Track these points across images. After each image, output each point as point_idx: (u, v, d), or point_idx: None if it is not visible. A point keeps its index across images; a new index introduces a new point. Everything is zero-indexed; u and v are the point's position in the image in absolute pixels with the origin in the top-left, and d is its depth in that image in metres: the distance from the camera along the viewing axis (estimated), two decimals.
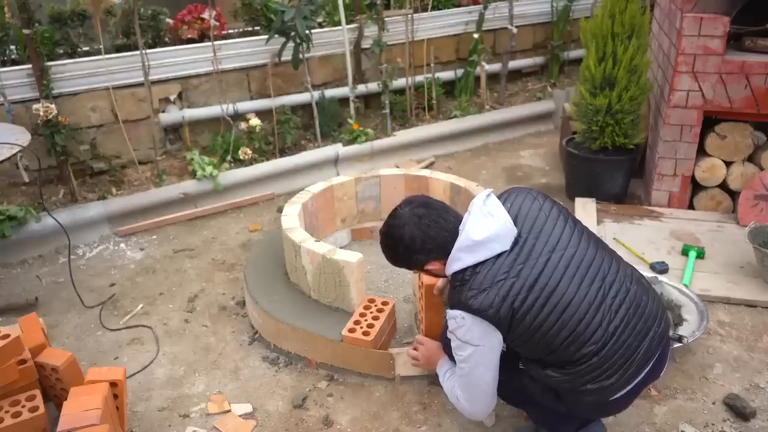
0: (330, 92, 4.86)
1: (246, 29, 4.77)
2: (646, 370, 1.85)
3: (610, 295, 1.78)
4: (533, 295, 1.73)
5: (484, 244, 1.77)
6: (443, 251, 1.86)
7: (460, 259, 1.81)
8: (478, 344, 1.80)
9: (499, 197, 1.91)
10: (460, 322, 1.79)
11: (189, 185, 4.11)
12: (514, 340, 1.80)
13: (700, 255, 3.21)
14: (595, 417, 2.03)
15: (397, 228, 1.88)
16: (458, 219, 1.90)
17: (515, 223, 1.81)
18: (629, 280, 1.85)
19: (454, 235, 1.85)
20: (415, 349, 2.35)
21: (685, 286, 2.92)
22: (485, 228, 1.78)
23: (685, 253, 3.25)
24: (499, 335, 1.79)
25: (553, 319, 1.73)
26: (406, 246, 1.88)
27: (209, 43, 4.28)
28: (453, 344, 1.87)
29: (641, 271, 2.92)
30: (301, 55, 4.43)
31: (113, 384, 2.22)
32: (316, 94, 4.71)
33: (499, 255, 1.77)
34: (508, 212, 1.83)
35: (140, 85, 4.11)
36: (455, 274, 1.83)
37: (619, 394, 1.83)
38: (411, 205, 1.90)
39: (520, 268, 1.75)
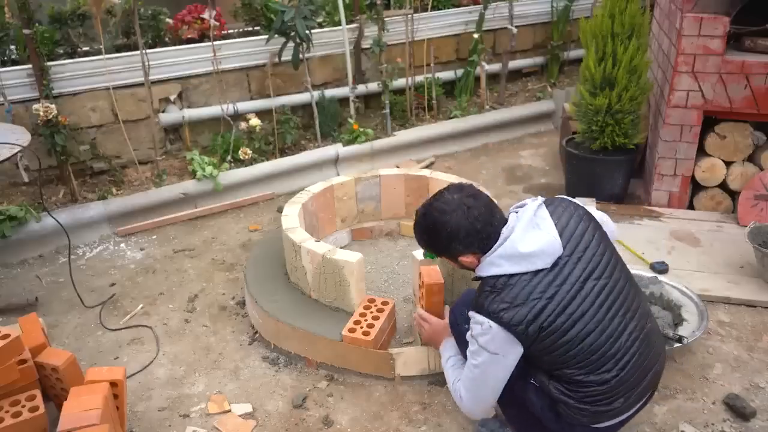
0: (330, 92, 4.86)
1: (246, 29, 4.77)
2: (637, 407, 1.94)
3: (628, 330, 1.83)
4: (562, 318, 1.76)
5: (528, 258, 1.77)
6: (483, 247, 1.85)
7: (500, 265, 1.81)
8: (497, 353, 1.81)
9: (547, 205, 1.90)
10: (486, 329, 1.79)
11: (189, 185, 4.11)
12: (531, 352, 1.84)
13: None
14: None
15: (444, 213, 1.85)
16: (503, 220, 1.88)
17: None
18: (645, 318, 1.91)
19: (497, 235, 1.84)
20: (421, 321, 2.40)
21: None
22: (533, 241, 1.78)
23: None
24: (520, 350, 1.81)
25: (574, 343, 1.79)
26: (449, 234, 1.84)
27: (209, 43, 4.28)
28: (470, 348, 1.87)
29: (641, 272, 2.96)
30: (301, 55, 4.43)
31: (113, 384, 2.21)
32: (316, 94, 4.71)
33: (537, 271, 1.77)
34: (556, 226, 1.83)
35: (140, 85, 4.11)
36: (488, 278, 1.83)
37: (607, 423, 1.90)
38: (461, 192, 1.87)
39: (555, 291, 1.76)
